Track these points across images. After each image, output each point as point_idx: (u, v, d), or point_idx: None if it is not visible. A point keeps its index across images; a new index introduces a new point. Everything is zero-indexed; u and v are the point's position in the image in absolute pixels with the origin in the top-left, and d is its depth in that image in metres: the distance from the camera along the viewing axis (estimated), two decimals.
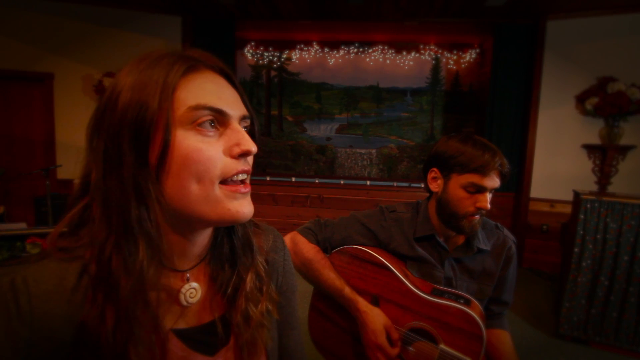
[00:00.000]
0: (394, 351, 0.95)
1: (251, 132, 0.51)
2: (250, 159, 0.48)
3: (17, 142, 3.81)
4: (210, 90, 0.44)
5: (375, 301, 1.03)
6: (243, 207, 0.46)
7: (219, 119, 0.44)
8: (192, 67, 0.44)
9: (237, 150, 0.44)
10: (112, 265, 0.40)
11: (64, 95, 3.83)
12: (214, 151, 0.43)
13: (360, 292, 1.04)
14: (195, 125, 0.42)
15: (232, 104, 0.46)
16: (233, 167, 0.44)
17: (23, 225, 2.16)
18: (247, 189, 0.47)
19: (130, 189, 0.41)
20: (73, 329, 0.41)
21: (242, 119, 0.47)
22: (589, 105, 3.39)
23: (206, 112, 0.43)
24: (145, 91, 0.41)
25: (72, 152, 3.87)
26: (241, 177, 0.46)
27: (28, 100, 3.80)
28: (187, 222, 0.46)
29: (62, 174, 3.78)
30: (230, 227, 0.53)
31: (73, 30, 3.79)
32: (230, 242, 0.54)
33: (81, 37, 3.82)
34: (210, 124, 0.43)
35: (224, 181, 0.44)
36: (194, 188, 0.42)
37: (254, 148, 0.45)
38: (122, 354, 0.40)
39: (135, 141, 0.41)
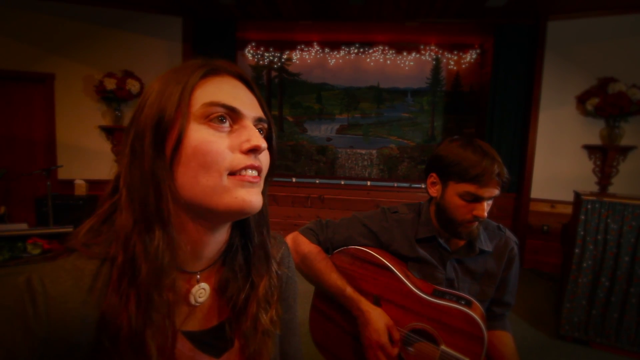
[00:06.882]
0: (394, 351, 0.96)
1: (268, 138, 0.52)
2: (262, 157, 0.49)
3: (18, 143, 3.81)
4: (225, 90, 0.47)
5: (376, 302, 1.03)
6: (251, 195, 0.46)
7: (232, 116, 0.46)
8: (213, 70, 0.48)
9: (246, 146, 0.46)
10: (136, 250, 0.43)
11: (65, 95, 3.83)
12: (223, 144, 0.45)
13: (362, 293, 1.04)
14: (208, 120, 0.45)
15: (247, 105, 0.48)
16: (242, 161, 0.46)
17: (24, 225, 2.16)
18: (256, 180, 0.47)
19: (149, 178, 0.43)
20: (88, 330, 0.41)
21: (258, 121, 0.49)
22: (589, 106, 3.39)
23: (219, 108, 0.45)
24: (167, 91, 0.45)
25: (73, 153, 3.88)
26: (250, 172, 0.47)
27: (29, 101, 3.80)
28: (199, 217, 0.47)
29: (63, 174, 3.78)
30: (246, 234, 0.54)
31: (74, 31, 3.79)
32: (245, 252, 0.54)
33: (82, 38, 3.82)
34: (222, 120, 0.45)
35: (232, 173, 0.45)
36: (202, 179, 0.44)
37: (263, 144, 0.47)
38: (140, 342, 0.41)
39: (155, 134, 0.44)
